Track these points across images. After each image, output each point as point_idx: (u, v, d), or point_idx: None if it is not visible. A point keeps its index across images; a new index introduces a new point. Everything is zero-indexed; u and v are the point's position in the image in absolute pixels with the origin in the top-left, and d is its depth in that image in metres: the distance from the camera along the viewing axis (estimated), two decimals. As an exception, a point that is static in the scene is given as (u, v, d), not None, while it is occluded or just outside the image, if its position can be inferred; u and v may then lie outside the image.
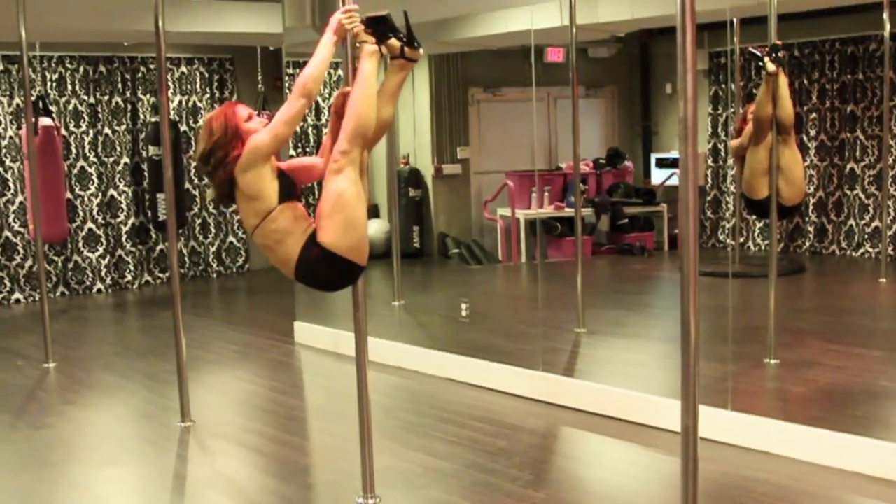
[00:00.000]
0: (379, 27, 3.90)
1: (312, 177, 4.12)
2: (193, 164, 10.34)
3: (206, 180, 3.91)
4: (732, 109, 10.49)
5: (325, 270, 3.85)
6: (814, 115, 10.93)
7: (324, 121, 12.13)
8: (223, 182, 3.83)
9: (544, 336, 6.85)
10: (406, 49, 3.96)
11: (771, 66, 6.08)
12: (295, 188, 3.92)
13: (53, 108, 10.30)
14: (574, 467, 5.17)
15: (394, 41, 3.93)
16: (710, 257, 10.81)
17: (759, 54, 6.24)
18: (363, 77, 3.79)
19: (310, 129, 12.18)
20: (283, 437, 5.68)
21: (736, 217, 10.20)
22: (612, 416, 5.61)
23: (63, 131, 10.48)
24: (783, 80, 6.21)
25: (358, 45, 3.90)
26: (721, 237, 11.62)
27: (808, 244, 11.03)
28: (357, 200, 3.75)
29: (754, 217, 10.67)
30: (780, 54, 6.05)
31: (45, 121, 8.65)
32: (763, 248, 10.91)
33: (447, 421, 5.75)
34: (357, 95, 3.77)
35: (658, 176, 12.08)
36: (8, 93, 10.50)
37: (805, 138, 10.87)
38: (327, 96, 11.55)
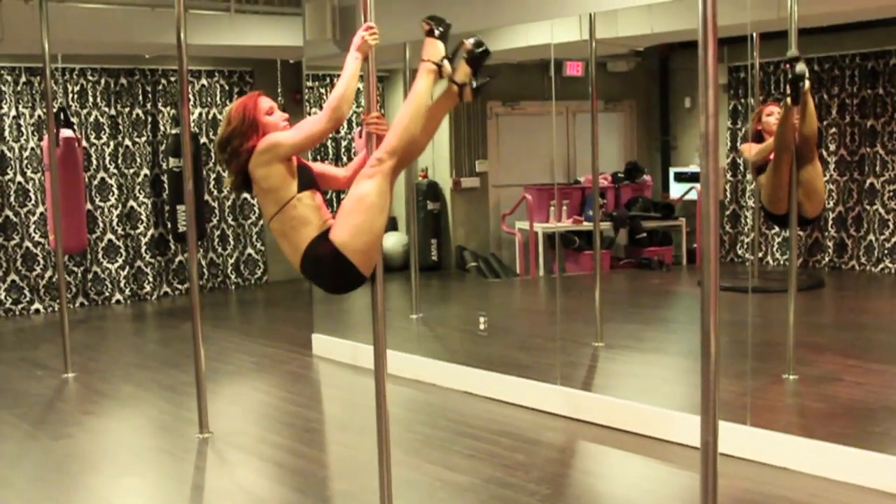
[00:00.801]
0: (479, 60, 3.99)
1: (331, 186, 4.17)
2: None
3: (224, 168, 3.95)
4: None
5: (328, 268, 3.83)
6: (833, 129, 10.89)
7: (343, 133, 12.18)
8: (238, 172, 3.88)
9: (562, 350, 6.84)
10: (466, 87, 4.01)
11: (806, 83, 6.05)
12: (314, 180, 3.94)
13: (74, 120, 10.37)
14: (592, 482, 5.15)
15: (466, 70, 4.00)
16: (729, 272, 10.77)
17: (798, 73, 6.15)
18: (417, 92, 3.86)
19: (329, 141, 12.21)
20: (301, 449, 5.68)
21: (755, 231, 10.17)
22: (631, 431, 5.60)
23: (84, 143, 10.54)
24: (809, 97, 6.19)
25: (426, 60, 3.93)
26: (740, 251, 11.57)
27: (827, 259, 10.98)
28: (378, 210, 3.77)
29: (773, 231, 10.64)
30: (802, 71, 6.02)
31: (66, 132, 8.71)
32: (782, 262, 10.87)
33: (465, 434, 5.74)
34: (407, 110, 3.82)
35: (676, 190, 12.04)
36: (30, 104, 10.58)
37: (825, 153, 10.83)
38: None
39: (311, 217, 3.83)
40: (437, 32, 3.95)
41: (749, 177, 10.46)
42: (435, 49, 3.95)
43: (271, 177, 3.80)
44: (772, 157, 6.47)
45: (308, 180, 3.89)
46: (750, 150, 6.89)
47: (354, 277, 3.85)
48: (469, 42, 3.99)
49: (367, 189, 3.75)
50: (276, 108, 3.97)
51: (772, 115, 6.69)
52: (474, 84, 4.01)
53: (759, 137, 6.74)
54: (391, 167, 3.79)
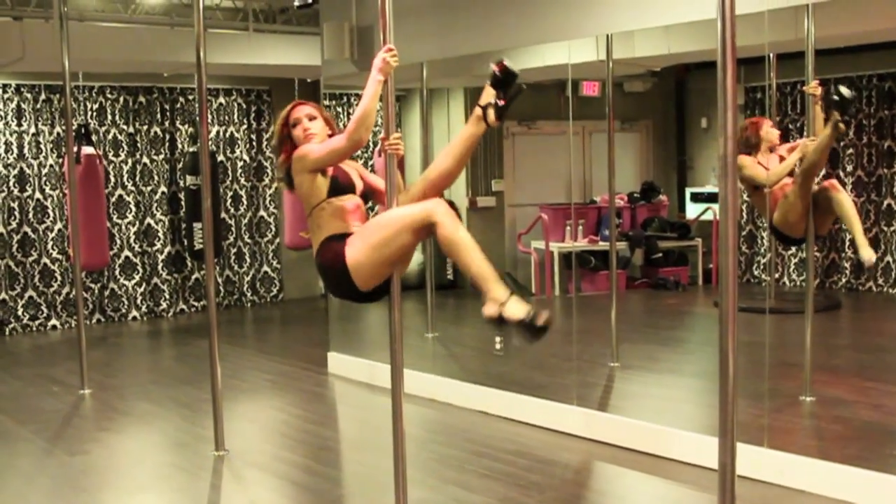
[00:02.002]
0: (504, 84, 4.00)
1: (378, 200, 4.32)
2: None
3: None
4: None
5: (329, 273, 4.04)
6: (850, 150, 10.86)
7: (359, 152, 12.20)
8: (283, 174, 4.22)
9: (578, 370, 6.83)
10: (491, 111, 4.02)
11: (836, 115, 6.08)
12: (348, 188, 4.11)
13: (93, 138, 10.43)
14: (607, 502, 5.14)
15: (490, 93, 4.03)
16: (746, 292, 10.73)
17: (847, 97, 6.16)
18: (466, 137, 4.05)
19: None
20: (317, 467, 5.68)
21: (771, 252, 10.14)
22: (647, 452, 5.58)
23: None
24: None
25: (482, 107, 4.01)
26: (756, 272, 11.53)
27: (844, 280, 10.93)
28: (398, 244, 3.86)
29: (790, 252, 10.60)
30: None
31: (87, 150, 8.77)
32: (799, 283, 10.83)
33: (481, 454, 5.73)
34: (461, 156, 4.06)
35: (692, 210, 12.02)
36: (49, 122, 10.66)
37: (842, 174, 10.81)
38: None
39: (330, 222, 4.04)
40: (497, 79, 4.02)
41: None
42: (488, 94, 4.06)
43: (303, 184, 4.09)
44: (788, 179, 6.48)
45: (340, 188, 4.09)
46: (754, 166, 6.84)
47: (352, 291, 4.02)
48: (494, 65, 4.00)
49: (402, 217, 3.86)
50: (304, 120, 4.20)
51: (773, 129, 6.74)
52: (497, 103, 4.00)
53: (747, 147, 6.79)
54: (434, 207, 3.88)
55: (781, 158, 6.84)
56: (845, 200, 6.36)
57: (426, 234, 3.92)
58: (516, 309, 3.80)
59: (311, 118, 4.22)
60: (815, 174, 6.33)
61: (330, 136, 4.21)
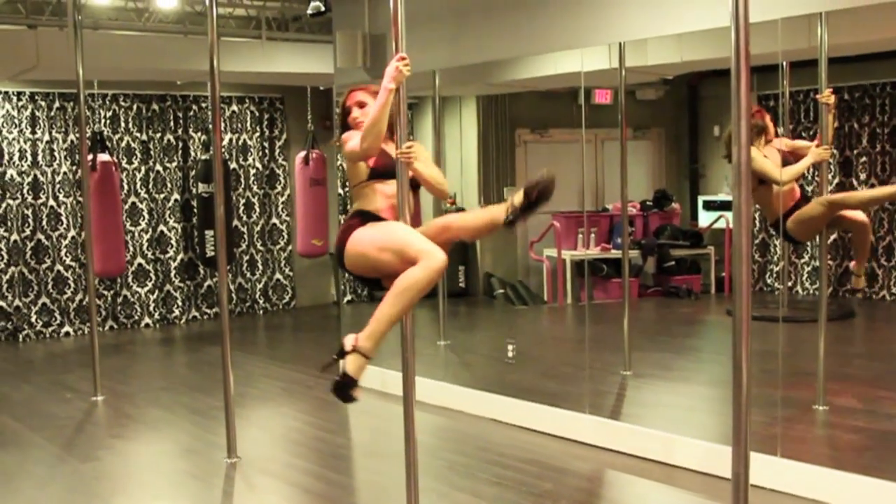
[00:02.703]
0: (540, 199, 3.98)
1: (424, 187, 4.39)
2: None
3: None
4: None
5: (338, 238, 4.20)
6: (864, 159, 10.83)
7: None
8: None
9: (590, 378, 6.81)
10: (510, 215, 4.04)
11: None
12: (387, 174, 4.12)
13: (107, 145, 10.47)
14: (620, 511, 5.13)
15: (520, 197, 4.01)
16: (759, 301, 10.70)
17: None
18: (489, 221, 4.13)
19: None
20: (329, 475, 5.68)
21: (784, 261, 10.11)
22: (659, 461, 5.57)
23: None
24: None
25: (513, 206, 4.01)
26: (769, 280, 11.50)
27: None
28: (386, 259, 3.95)
29: (803, 261, 10.56)
30: None
31: (103, 157, 8.78)
32: (812, 292, 10.79)
33: (493, 462, 5.73)
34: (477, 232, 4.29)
35: (705, 218, 11.99)
36: (63, 129, 10.70)
37: (855, 182, 10.77)
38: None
39: (365, 198, 4.18)
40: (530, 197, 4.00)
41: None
42: (518, 196, 4.04)
43: (347, 166, 4.29)
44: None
45: (380, 174, 4.15)
46: (764, 160, 6.70)
47: (341, 265, 4.20)
48: (544, 180, 3.95)
49: (411, 244, 3.90)
50: (353, 108, 4.31)
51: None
52: (516, 211, 4.00)
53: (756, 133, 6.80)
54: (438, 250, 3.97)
55: (782, 153, 6.77)
56: (868, 233, 6.44)
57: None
58: (351, 365, 4.02)
59: (361, 105, 4.29)
60: (847, 207, 6.40)
61: None
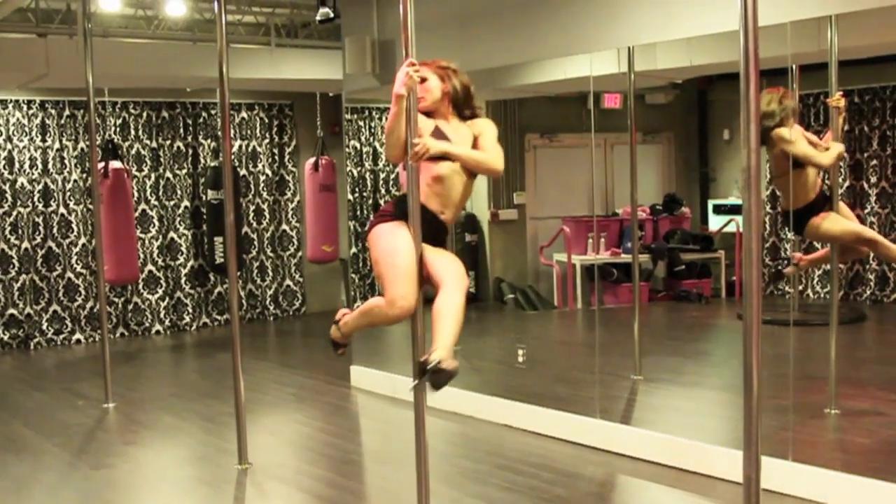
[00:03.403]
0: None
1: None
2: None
3: None
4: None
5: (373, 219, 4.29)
6: (875, 161, 10.80)
7: (380, 165, 12.28)
8: None
9: (601, 383, 6.80)
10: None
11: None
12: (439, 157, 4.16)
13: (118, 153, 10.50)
14: (632, 516, 5.12)
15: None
16: (770, 305, 10.65)
17: None
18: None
19: (367, 173, 12.31)
20: (340, 481, 5.68)
21: (793, 262, 10.07)
22: (670, 465, 5.55)
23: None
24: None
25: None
26: (780, 284, 11.47)
27: (868, 292, 10.86)
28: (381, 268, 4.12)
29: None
30: None
31: (115, 164, 8.80)
32: (823, 295, 10.76)
33: (504, 467, 5.72)
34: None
35: (715, 222, 11.98)
36: (73, 137, 10.74)
37: (865, 185, 10.75)
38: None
39: (420, 183, 4.09)
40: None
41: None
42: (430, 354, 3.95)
43: None
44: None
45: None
46: (806, 144, 6.55)
47: None
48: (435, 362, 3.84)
49: (386, 268, 4.08)
50: (415, 87, 3.98)
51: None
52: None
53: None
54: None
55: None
56: (886, 242, 6.44)
57: None
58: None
59: (423, 80, 4.13)
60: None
61: (444, 91, 4.34)
